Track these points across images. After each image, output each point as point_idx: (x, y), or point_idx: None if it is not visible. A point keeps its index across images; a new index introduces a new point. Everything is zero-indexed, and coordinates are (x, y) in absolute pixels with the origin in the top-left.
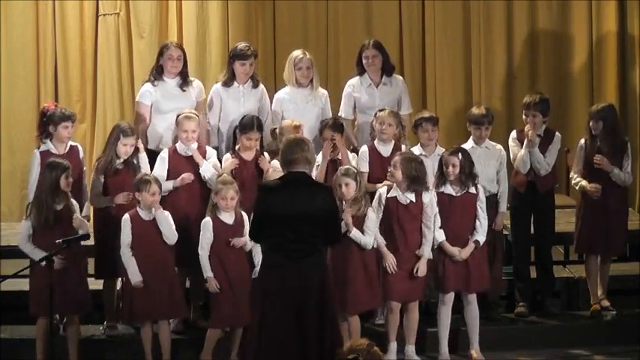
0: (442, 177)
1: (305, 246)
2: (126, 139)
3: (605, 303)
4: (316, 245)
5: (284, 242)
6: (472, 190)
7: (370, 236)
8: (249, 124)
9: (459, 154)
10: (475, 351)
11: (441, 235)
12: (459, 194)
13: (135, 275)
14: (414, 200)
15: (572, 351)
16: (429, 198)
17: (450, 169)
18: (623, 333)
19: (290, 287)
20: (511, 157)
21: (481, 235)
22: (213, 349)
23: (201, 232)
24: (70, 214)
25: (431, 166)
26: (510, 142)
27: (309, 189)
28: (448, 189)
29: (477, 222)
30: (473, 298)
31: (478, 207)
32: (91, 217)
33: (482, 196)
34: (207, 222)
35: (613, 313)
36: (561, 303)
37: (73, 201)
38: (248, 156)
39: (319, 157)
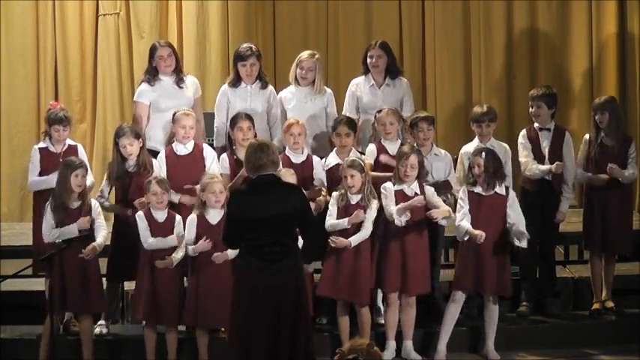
0: (472, 176)
1: (280, 248)
2: (122, 139)
3: (609, 304)
4: (291, 246)
5: (260, 245)
6: (501, 190)
7: (367, 228)
8: (238, 115)
9: (482, 153)
10: (490, 351)
11: (466, 224)
12: (487, 194)
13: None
14: (418, 192)
15: (573, 351)
16: (431, 190)
17: (476, 169)
18: (623, 333)
19: (267, 289)
20: (519, 156)
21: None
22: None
23: (185, 230)
24: (87, 214)
25: (428, 166)
26: (520, 139)
27: (280, 191)
28: (477, 188)
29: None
30: (493, 299)
31: (508, 209)
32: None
33: (511, 197)
34: (192, 219)
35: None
36: (561, 303)
37: (94, 201)
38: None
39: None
